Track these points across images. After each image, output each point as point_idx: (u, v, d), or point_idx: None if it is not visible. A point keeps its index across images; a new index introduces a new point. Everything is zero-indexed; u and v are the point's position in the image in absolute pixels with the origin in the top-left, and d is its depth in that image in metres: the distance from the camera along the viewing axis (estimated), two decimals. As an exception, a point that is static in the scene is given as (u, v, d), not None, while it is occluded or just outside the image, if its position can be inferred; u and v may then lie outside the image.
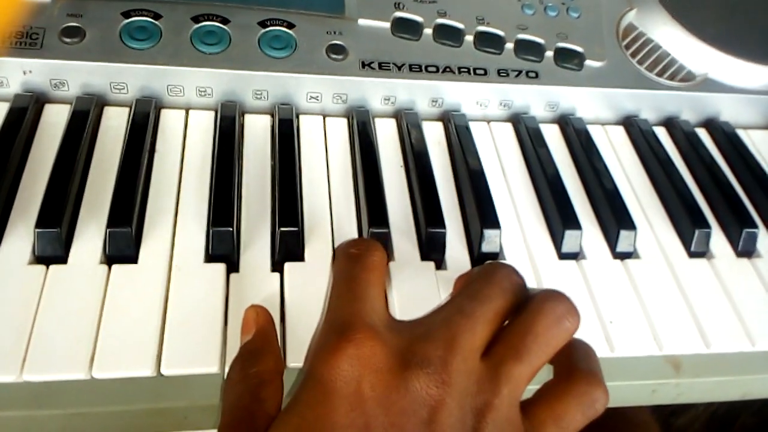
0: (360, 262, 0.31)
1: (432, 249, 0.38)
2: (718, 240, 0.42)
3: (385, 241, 0.37)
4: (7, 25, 0.39)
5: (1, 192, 0.35)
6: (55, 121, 0.40)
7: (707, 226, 0.41)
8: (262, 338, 0.31)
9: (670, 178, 0.44)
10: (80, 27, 0.40)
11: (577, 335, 0.35)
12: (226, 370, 0.31)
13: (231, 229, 0.35)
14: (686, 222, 0.42)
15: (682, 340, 0.36)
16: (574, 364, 0.29)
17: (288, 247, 0.36)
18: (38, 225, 0.33)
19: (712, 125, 0.51)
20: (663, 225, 0.43)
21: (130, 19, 0.41)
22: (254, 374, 0.29)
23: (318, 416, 0.26)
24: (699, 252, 0.41)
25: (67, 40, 0.40)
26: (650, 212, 0.43)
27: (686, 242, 0.41)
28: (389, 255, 0.37)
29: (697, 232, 0.41)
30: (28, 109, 0.39)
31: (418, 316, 0.29)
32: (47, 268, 0.33)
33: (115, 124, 0.41)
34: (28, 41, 0.39)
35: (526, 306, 0.29)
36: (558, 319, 0.28)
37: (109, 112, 0.42)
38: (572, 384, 0.28)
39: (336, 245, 0.37)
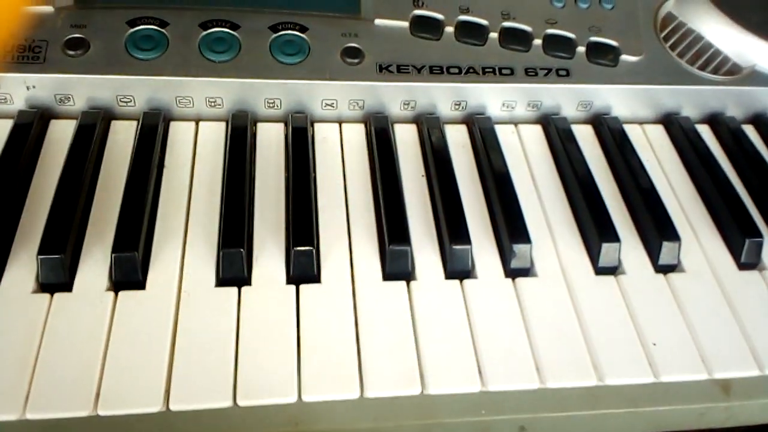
0: None
1: (456, 266, 0.35)
2: (770, 250, 0.40)
3: (405, 259, 0.35)
4: (8, 37, 0.38)
5: (5, 216, 0.34)
6: (60, 137, 0.39)
7: (759, 234, 0.39)
8: None
9: (715, 182, 0.42)
10: (84, 38, 0.39)
11: (617, 359, 0.33)
12: (239, 401, 0.29)
13: (242, 250, 0.33)
14: (735, 230, 0.39)
15: (732, 362, 0.34)
16: None
17: (302, 268, 0.34)
18: (41, 251, 0.32)
19: (760, 121, 0.48)
20: (709, 234, 0.40)
21: (136, 28, 0.40)
22: None
23: None
24: (750, 263, 0.39)
25: (71, 52, 0.38)
26: (695, 220, 0.41)
27: (735, 253, 0.39)
28: (410, 273, 0.35)
29: (747, 241, 0.38)
30: (33, 125, 0.38)
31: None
32: (51, 296, 0.32)
33: (122, 139, 0.40)
34: (30, 55, 0.38)
35: None
36: None
37: (116, 126, 0.40)
38: None
39: (355, 263, 0.35)
